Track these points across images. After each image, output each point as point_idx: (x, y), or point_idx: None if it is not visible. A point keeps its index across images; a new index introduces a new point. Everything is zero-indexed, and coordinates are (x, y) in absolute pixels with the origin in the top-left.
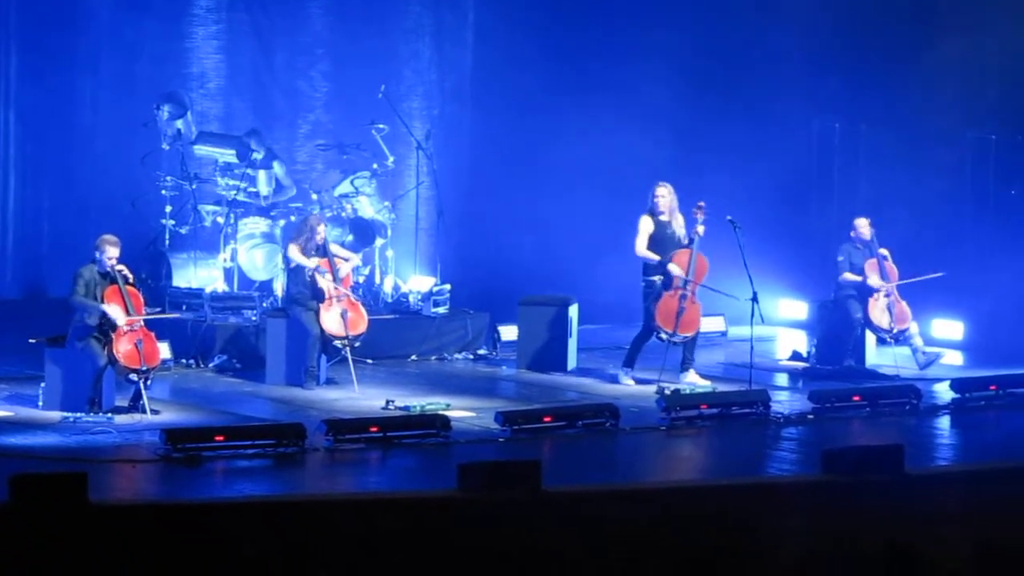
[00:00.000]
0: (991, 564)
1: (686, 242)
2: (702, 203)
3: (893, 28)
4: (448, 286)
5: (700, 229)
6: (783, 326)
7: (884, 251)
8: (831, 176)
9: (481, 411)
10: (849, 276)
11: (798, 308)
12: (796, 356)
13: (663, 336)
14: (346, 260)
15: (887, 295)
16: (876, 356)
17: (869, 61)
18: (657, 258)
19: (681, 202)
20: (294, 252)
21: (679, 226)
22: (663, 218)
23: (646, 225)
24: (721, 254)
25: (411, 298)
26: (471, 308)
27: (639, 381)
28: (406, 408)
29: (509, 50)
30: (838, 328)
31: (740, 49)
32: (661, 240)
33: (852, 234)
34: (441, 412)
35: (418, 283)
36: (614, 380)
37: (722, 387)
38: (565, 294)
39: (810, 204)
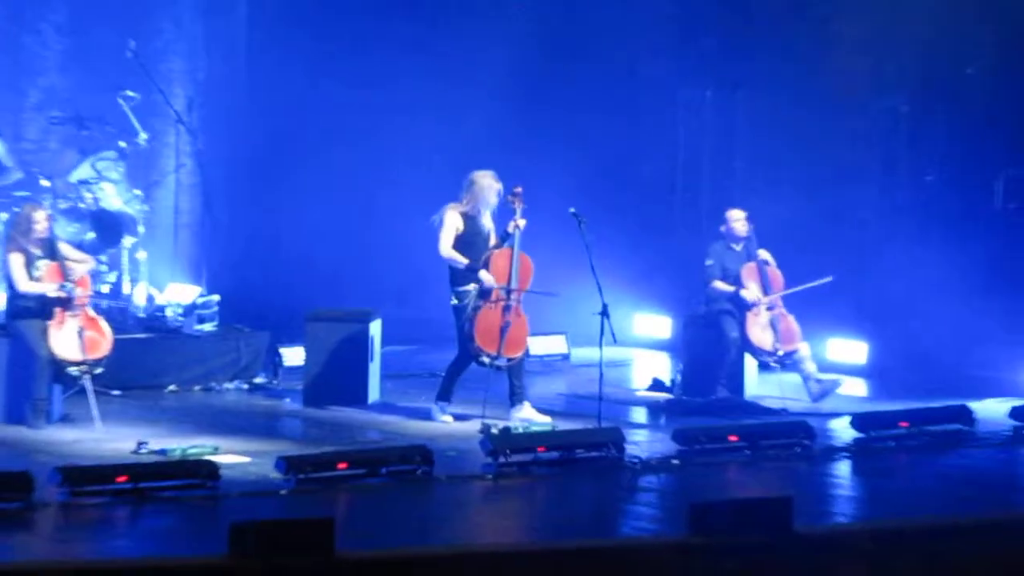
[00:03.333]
0: None
1: (494, 241)
2: (519, 188)
3: None
4: (217, 297)
5: (520, 222)
6: (641, 347)
7: (765, 254)
8: (700, 159)
9: (258, 455)
10: (720, 285)
11: (659, 325)
12: (657, 385)
13: (485, 360)
14: (80, 263)
15: (770, 308)
16: (757, 385)
17: (751, 17)
18: (465, 261)
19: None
20: (16, 265)
21: (489, 221)
22: (475, 213)
23: (453, 219)
24: (562, 256)
25: (169, 312)
26: (246, 325)
27: (458, 417)
28: (163, 452)
29: None
30: (709, 350)
31: (596, 6)
32: (472, 240)
33: (723, 229)
34: (208, 457)
35: (178, 293)
36: (427, 416)
37: (564, 424)
38: (365, 307)
39: (675, 193)
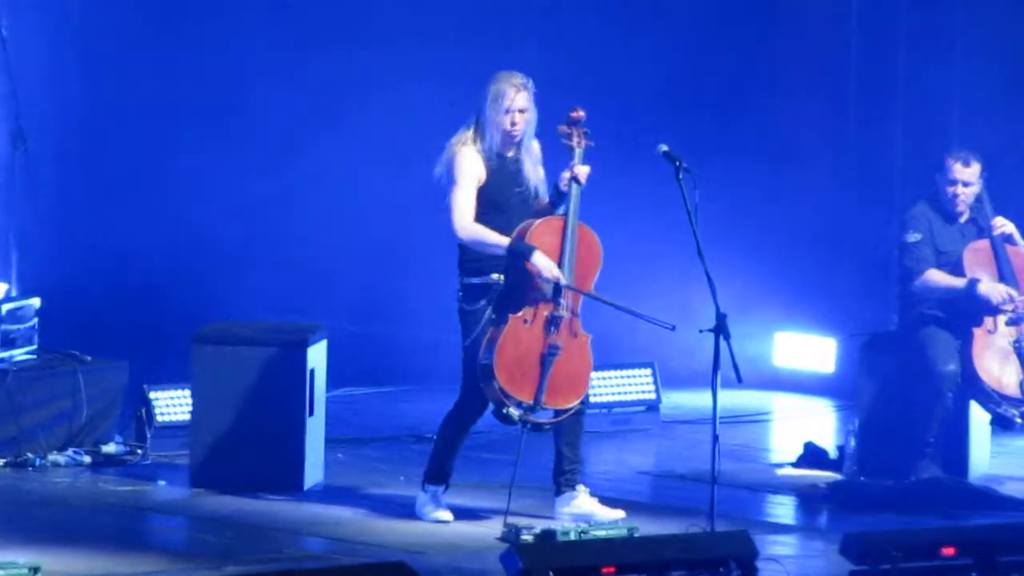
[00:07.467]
0: None
1: (546, 200)
2: (579, 112)
3: None
4: (35, 301)
5: (580, 170)
6: (785, 391)
7: (1005, 225)
8: (892, 52)
9: None
10: (934, 277)
11: (817, 351)
12: (813, 456)
13: (511, 412)
14: None
15: (1016, 321)
16: (991, 457)
17: None
18: (503, 241)
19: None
20: None
21: (533, 166)
22: (507, 150)
23: (471, 165)
24: (650, 230)
25: None
26: (87, 351)
27: (462, 513)
28: None
29: None
30: (905, 395)
31: None
32: (502, 200)
33: (951, 190)
34: None
35: None
36: (409, 511)
37: (649, 526)
38: (299, 321)
39: (846, 119)
